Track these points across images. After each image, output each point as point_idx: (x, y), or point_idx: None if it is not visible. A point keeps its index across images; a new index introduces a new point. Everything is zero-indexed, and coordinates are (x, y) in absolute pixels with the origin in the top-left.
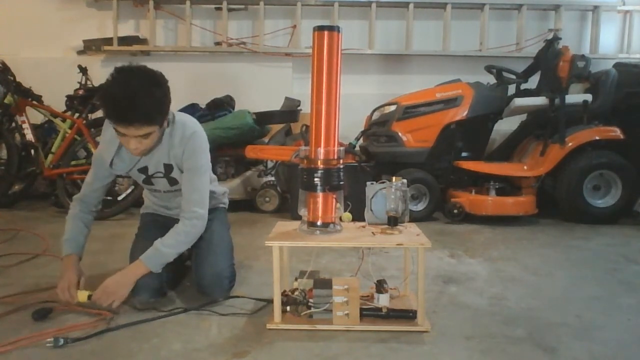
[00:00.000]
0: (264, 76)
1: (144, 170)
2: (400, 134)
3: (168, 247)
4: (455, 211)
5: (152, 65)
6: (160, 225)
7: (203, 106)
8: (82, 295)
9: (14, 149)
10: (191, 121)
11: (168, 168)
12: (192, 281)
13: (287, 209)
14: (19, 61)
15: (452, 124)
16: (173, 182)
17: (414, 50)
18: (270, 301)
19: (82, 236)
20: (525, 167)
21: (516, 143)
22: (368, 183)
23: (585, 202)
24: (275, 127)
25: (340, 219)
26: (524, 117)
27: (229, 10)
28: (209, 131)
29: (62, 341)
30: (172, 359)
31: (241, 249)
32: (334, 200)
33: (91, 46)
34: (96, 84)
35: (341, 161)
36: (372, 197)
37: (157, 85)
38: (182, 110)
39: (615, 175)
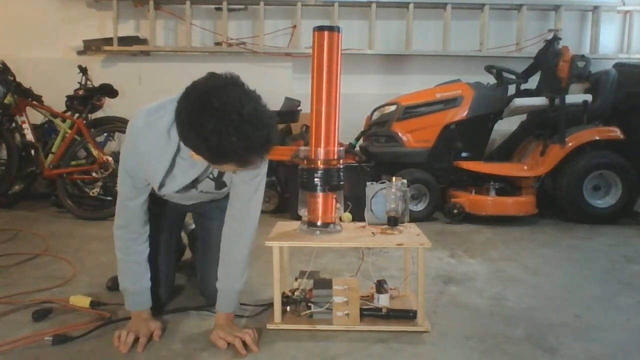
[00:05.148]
0: (264, 76)
1: (193, 181)
2: (400, 134)
3: (236, 281)
4: (455, 211)
5: (153, 65)
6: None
7: None
8: (84, 301)
9: (14, 149)
10: None
11: (221, 172)
12: (191, 281)
13: (287, 209)
14: (19, 61)
15: (452, 124)
16: (220, 186)
17: (414, 50)
18: (270, 305)
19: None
20: (525, 167)
21: (516, 143)
22: (368, 183)
23: (585, 202)
24: None
25: (340, 219)
26: (524, 117)
27: (229, 10)
28: None
29: (61, 340)
30: (172, 359)
31: None
32: (334, 200)
33: (91, 46)
34: (96, 84)
35: (341, 161)
36: (372, 197)
37: (256, 96)
38: None
39: (615, 175)
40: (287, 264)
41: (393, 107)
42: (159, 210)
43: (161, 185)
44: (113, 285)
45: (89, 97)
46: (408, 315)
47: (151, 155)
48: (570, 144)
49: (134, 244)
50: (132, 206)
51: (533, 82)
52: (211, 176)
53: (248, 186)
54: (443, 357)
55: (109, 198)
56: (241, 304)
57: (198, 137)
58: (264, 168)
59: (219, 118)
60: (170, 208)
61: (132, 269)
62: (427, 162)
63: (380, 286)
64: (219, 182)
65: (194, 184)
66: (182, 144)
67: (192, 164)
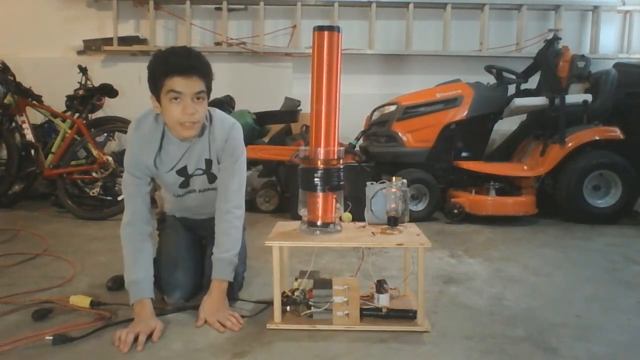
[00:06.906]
0: (264, 76)
1: (183, 171)
2: (400, 134)
3: (228, 251)
4: (455, 211)
5: None
6: (185, 226)
7: None
8: (84, 301)
9: (14, 149)
10: (227, 115)
11: (209, 163)
12: None
13: (287, 209)
14: (19, 61)
15: (452, 124)
16: (212, 178)
17: (414, 50)
18: (270, 303)
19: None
20: (525, 167)
21: (516, 143)
22: (368, 183)
23: (585, 202)
24: (275, 127)
25: (340, 219)
26: (524, 117)
27: (229, 10)
28: None
29: (61, 340)
30: (172, 358)
31: None
32: (334, 200)
33: (91, 46)
34: (96, 84)
35: (341, 161)
36: (372, 197)
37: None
38: None
39: (615, 175)
40: (287, 264)
41: (393, 107)
42: (180, 229)
43: (155, 165)
44: (113, 285)
45: (89, 97)
46: (408, 315)
47: (146, 136)
48: (570, 144)
49: (138, 237)
50: (135, 202)
51: (533, 82)
52: (200, 172)
53: (228, 171)
54: (443, 357)
55: (109, 198)
56: (241, 300)
57: (150, 68)
58: (241, 158)
59: (161, 52)
60: (188, 230)
61: (136, 261)
62: (427, 162)
63: (380, 286)
64: (210, 175)
65: (187, 180)
66: (166, 129)
67: (176, 149)
